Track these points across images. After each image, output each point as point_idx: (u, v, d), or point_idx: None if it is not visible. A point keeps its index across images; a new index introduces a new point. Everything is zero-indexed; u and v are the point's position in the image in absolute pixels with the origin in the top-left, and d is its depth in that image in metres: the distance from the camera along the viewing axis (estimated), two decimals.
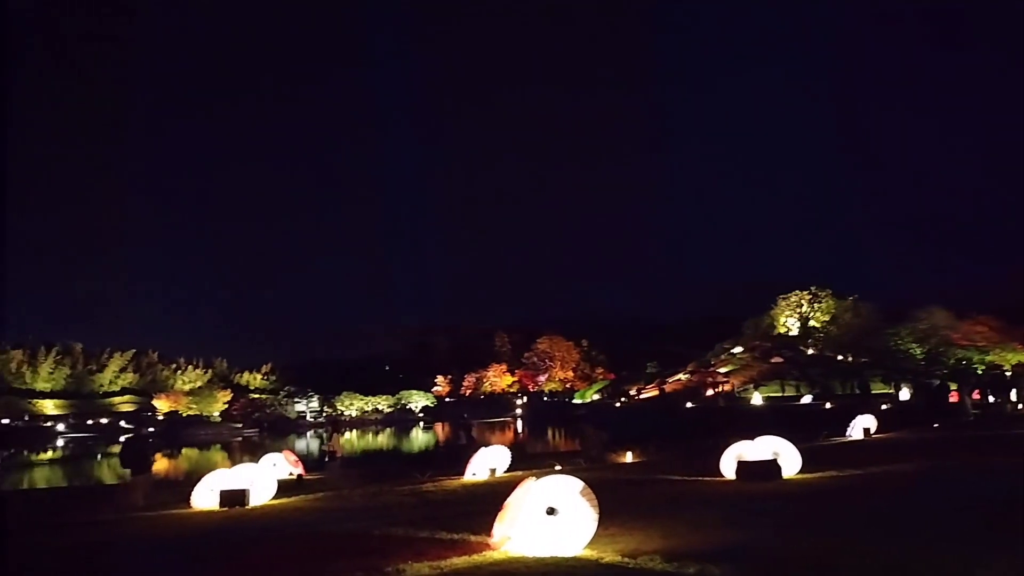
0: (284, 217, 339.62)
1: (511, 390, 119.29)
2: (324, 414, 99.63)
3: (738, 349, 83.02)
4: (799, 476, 13.36)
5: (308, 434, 79.62)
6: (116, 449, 60.55)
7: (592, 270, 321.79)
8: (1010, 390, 37.24)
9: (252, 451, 45.17)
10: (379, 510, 12.18)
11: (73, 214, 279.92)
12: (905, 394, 45.04)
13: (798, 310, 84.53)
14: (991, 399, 37.26)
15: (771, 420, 33.67)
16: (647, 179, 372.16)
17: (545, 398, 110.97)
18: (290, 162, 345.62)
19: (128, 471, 16.03)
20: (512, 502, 7.63)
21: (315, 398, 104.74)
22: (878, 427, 24.51)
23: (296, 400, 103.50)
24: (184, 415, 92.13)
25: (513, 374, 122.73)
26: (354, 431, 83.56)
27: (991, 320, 71.18)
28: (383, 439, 69.93)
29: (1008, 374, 53.57)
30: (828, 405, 46.91)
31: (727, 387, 70.82)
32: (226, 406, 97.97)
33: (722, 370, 77.59)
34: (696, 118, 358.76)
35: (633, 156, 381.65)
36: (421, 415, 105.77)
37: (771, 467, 13.20)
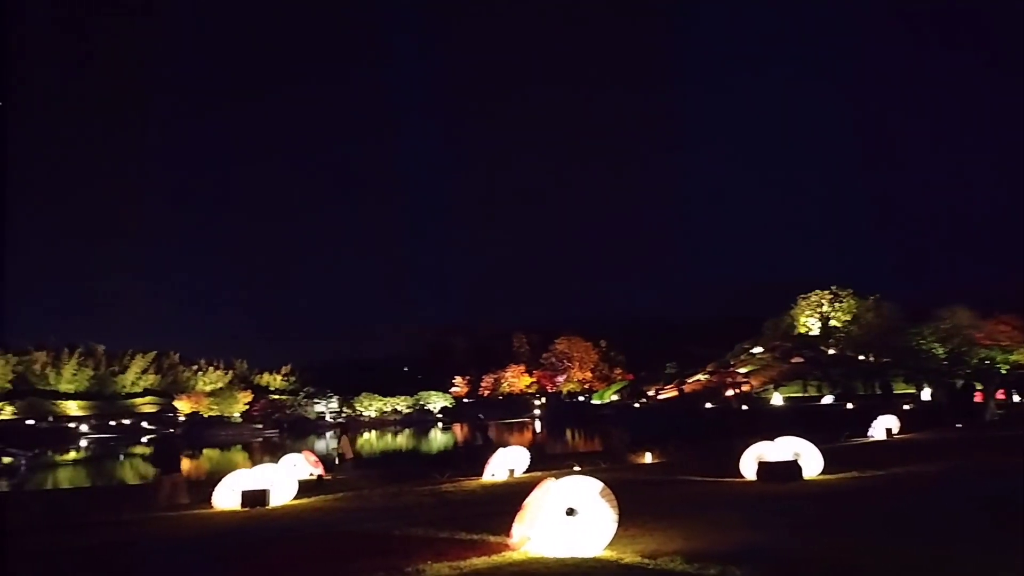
0: (304, 218, 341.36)
1: (529, 391, 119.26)
2: (343, 415, 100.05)
3: (758, 349, 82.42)
4: (820, 477, 13.27)
5: (327, 435, 80.00)
6: (139, 450, 61.59)
7: (611, 270, 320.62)
8: None
9: (272, 452, 45.45)
10: (399, 510, 12.22)
11: (93, 215, 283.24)
12: (927, 394, 44.58)
13: (818, 310, 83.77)
14: (1016, 399, 36.84)
15: (792, 420, 33.46)
16: (665, 179, 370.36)
17: (564, 399, 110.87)
18: (309, 162, 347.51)
19: (159, 470, 16.45)
20: (531, 503, 7.63)
21: (334, 399, 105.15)
22: (900, 427, 24.31)
23: (315, 401, 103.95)
24: (205, 416, 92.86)
25: (531, 375, 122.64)
26: (373, 432, 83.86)
27: (1015, 319, 70.10)
28: (402, 440, 70.11)
29: None
30: (849, 405, 46.56)
31: (746, 387, 70.37)
32: (246, 407, 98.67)
33: (742, 370, 77.11)
34: (714, 118, 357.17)
35: (651, 156, 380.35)
36: (439, 416, 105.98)
37: (792, 468, 13.11)
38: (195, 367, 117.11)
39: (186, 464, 36.03)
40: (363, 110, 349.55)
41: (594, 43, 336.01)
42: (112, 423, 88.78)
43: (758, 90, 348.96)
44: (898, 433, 23.74)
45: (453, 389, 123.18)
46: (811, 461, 13.57)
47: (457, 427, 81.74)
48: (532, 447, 24.48)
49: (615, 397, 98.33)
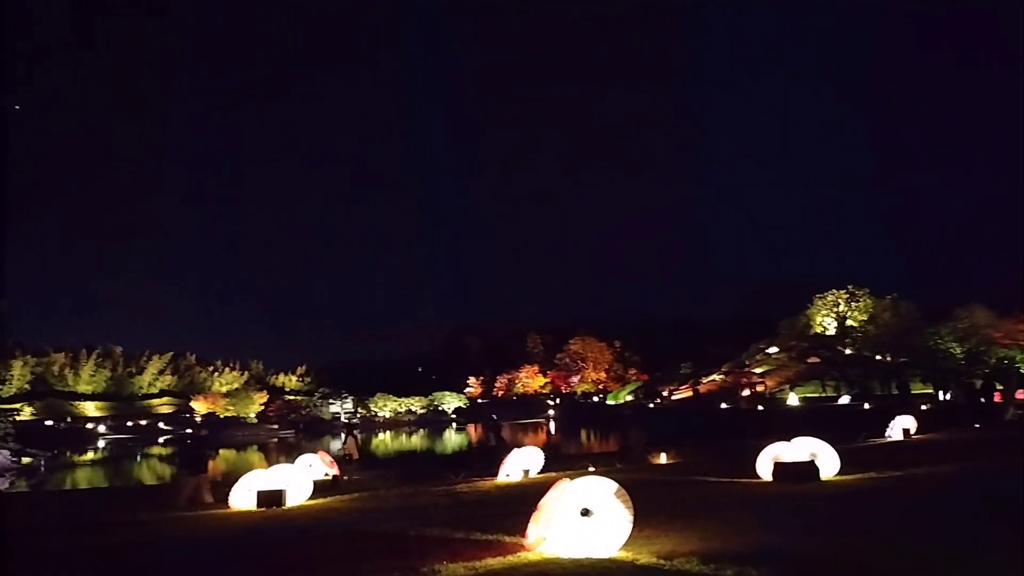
0: (319, 219, 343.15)
1: (543, 391, 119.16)
2: (356, 415, 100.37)
3: (774, 349, 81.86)
4: (837, 478, 13.17)
5: (342, 435, 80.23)
6: (156, 450, 62.02)
7: (625, 270, 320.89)
8: None
9: (288, 452, 45.65)
10: (414, 511, 12.23)
11: (110, 217, 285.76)
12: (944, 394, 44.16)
13: (835, 309, 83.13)
14: None
15: (808, 421, 33.25)
16: (681, 179, 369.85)
17: (579, 399, 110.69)
18: (325, 163, 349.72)
19: (186, 471, 16.71)
20: (546, 503, 7.62)
21: (349, 399, 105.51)
22: (918, 428, 24.05)
23: (331, 401, 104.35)
24: (221, 417, 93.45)
25: (545, 375, 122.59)
26: (388, 432, 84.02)
27: None
28: (416, 440, 70.24)
29: None
30: (867, 405, 46.17)
31: (762, 388, 69.96)
32: (262, 407, 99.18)
33: (757, 370, 76.65)
34: (729, 119, 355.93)
35: (666, 156, 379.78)
36: (454, 416, 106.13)
37: (808, 468, 13.01)
38: (211, 368, 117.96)
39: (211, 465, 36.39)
40: (380, 111, 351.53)
41: (610, 45, 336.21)
42: (129, 424, 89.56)
43: (774, 91, 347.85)
44: (916, 433, 23.49)
45: (467, 389, 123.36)
46: (828, 462, 13.46)
47: (471, 427, 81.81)
48: (546, 447, 24.45)
49: (629, 397, 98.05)
